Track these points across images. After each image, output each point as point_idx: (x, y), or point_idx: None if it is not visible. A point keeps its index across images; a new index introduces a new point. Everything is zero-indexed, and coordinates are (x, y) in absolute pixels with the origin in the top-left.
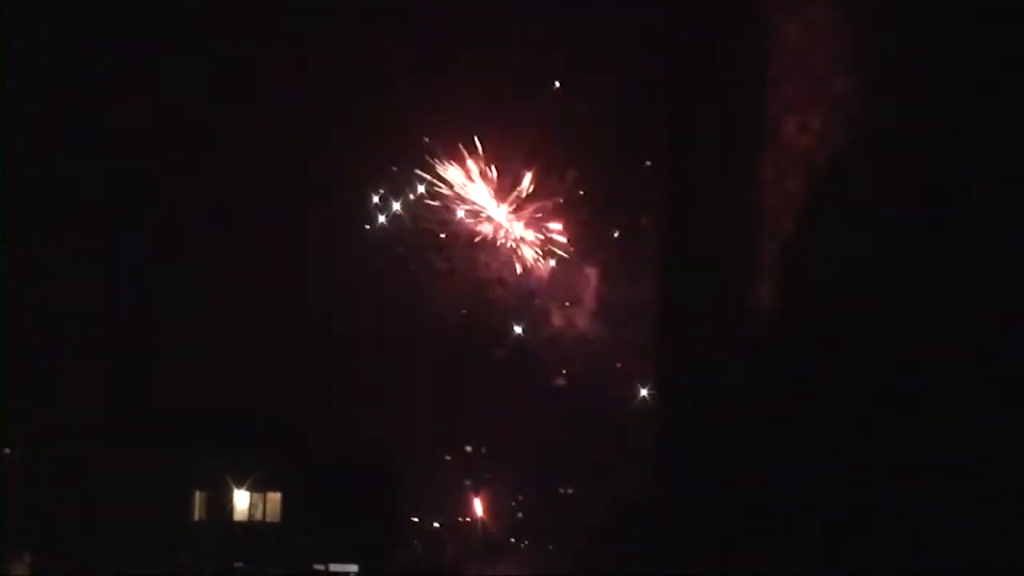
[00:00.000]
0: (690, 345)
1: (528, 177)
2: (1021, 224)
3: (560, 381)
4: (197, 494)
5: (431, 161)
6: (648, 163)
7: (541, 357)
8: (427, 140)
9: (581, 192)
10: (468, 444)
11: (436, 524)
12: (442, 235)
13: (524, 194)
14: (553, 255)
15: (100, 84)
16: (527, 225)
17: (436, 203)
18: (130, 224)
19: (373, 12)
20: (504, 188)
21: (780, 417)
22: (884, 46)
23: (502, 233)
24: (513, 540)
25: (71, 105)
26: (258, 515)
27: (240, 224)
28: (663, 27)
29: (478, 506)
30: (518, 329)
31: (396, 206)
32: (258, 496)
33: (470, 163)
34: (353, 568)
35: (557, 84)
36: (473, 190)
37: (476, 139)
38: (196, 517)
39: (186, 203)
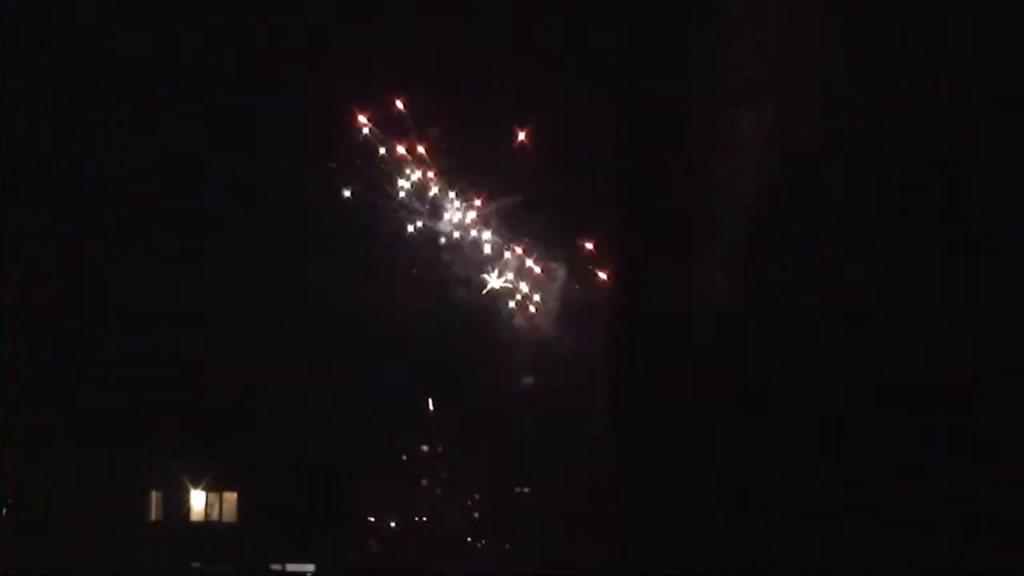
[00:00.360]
0: (643, 347)
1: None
2: (982, 223)
3: (519, 381)
4: (153, 494)
5: (386, 163)
6: (599, 167)
7: (501, 357)
8: (379, 137)
9: (536, 193)
10: (425, 444)
11: (393, 524)
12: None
13: (486, 193)
14: (516, 256)
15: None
16: (490, 224)
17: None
18: (89, 222)
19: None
20: (465, 188)
21: (733, 419)
22: (840, 44)
23: (471, 233)
24: (470, 539)
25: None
26: (214, 515)
27: (201, 225)
28: (610, 25)
29: (435, 505)
30: (478, 329)
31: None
32: (214, 496)
33: (428, 161)
34: (310, 568)
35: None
36: (433, 188)
37: (432, 137)
38: (152, 518)
39: (142, 207)
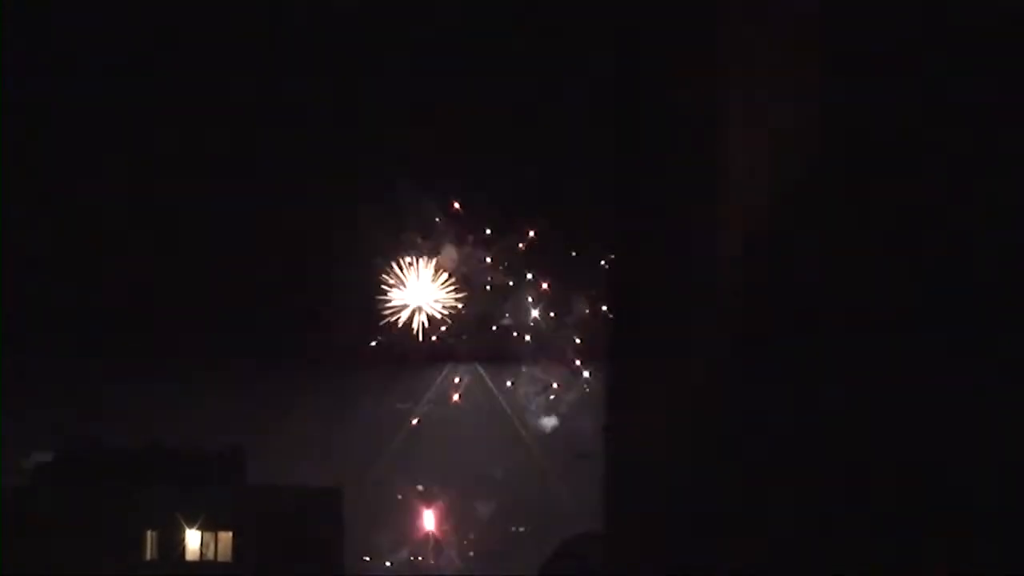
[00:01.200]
0: (640, 384)
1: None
2: (980, 247)
3: (515, 421)
4: (148, 533)
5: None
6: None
7: (497, 396)
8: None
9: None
10: (420, 483)
11: (388, 563)
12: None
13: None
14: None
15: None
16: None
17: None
18: (85, 253)
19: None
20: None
21: (730, 454)
22: (835, 75)
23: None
24: None
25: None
26: (209, 554)
27: (192, 261)
28: (611, 58)
29: (430, 545)
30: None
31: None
32: (209, 535)
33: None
34: None
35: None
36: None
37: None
38: (148, 557)
39: (142, 231)
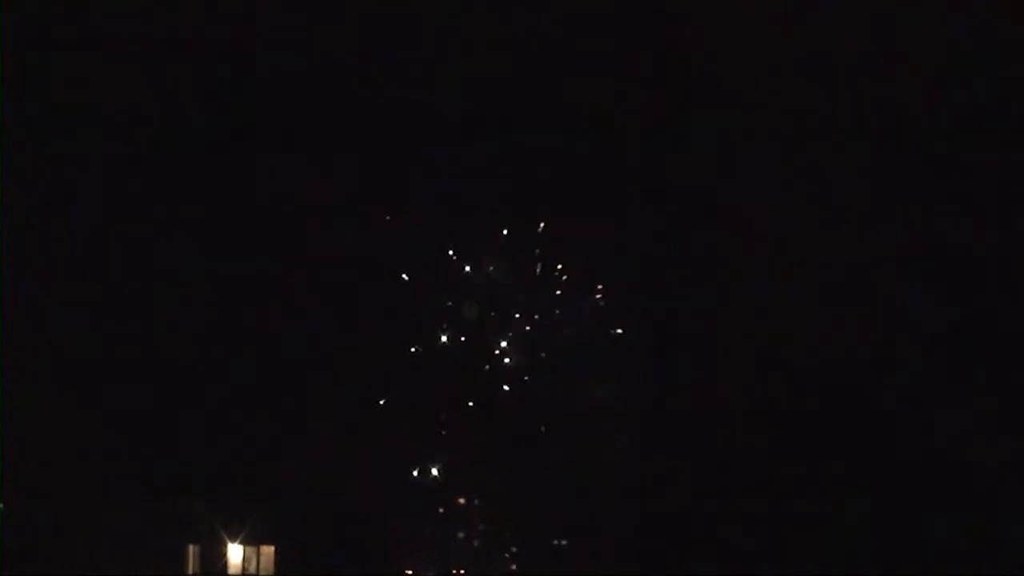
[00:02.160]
0: (670, 403)
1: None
2: (995, 271)
3: (554, 434)
4: (190, 548)
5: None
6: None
7: (535, 409)
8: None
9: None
10: (462, 496)
11: None
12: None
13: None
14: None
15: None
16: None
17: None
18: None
19: None
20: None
21: (757, 470)
22: (851, 98)
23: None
24: None
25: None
26: (252, 569)
27: (227, 276)
28: (637, 86)
29: (472, 558)
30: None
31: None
32: (251, 550)
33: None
34: None
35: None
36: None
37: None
38: (190, 571)
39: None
